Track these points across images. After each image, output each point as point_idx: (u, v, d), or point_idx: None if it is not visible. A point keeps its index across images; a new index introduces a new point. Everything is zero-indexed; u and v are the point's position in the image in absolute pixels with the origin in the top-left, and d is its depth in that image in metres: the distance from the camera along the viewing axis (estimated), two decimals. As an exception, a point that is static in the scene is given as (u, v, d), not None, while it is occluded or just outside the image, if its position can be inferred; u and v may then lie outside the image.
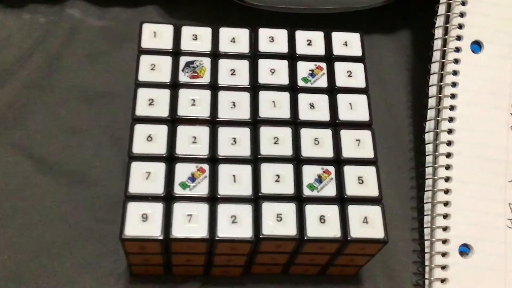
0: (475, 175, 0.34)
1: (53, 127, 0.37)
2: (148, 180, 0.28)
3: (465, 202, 0.34)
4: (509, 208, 0.34)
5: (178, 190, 0.28)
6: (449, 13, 0.36)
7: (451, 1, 0.36)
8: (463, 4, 0.36)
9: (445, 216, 0.34)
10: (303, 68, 0.33)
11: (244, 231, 0.28)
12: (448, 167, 0.34)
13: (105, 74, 0.39)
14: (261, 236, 0.28)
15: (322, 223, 0.28)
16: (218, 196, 0.28)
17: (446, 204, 0.34)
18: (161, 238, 0.27)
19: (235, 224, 0.28)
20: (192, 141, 0.30)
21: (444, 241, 0.33)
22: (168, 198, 0.28)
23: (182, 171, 0.29)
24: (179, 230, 0.27)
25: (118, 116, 0.37)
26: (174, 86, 0.31)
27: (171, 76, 0.32)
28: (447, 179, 0.34)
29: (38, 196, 0.35)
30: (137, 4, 0.42)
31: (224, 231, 0.28)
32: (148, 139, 0.30)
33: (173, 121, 0.30)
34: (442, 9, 0.36)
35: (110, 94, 0.38)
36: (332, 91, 0.33)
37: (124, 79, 0.38)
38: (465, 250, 0.33)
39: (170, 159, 0.29)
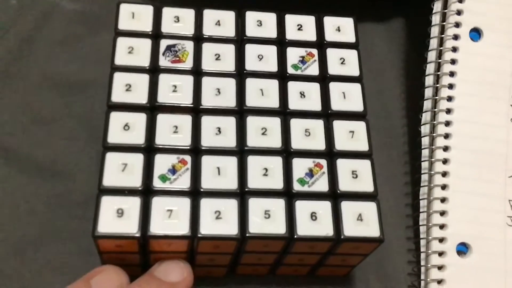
0: (473, 170, 0.32)
1: (23, 117, 0.34)
2: (124, 173, 0.26)
3: (463, 199, 0.32)
4: (509, 205, 0.32)
5: (157, 183, 0.26)
6: (447, -2, 0.34)
7: (449, -14, 0.34)
8: (462, -11, 0.34)
9: (442, 213, 0.32)
10: (293, 55, 0.31)
11: (229, 228, 0.26)
12: (445, 161, 0.32)
13: (79, 61, 0.37)
14: (247, 235, 0.25)
15: (314, 221, 0.26)
16: (201, 190, 0.26)
17: (443, 200, 0.32)
18: (138, 235, 0.25)
19: (219, 220, 0.26)
20: (173, 130, 0.28)
21: (441, 240, 0.31)
22: (146, 192, 0.26)
23: (162, 162, 0.27)
24: (157, 227, 0.25)
25: (93, 105, 0.35)
26: (153, 70, 0.29)
27: (150, 60, 0.29)
28: (444, 174, 0.32)
29: (6, 192, 0.32)
30: (116, -13, 0.40)
31: (207, 227, 0.25)
32: (125, 128, 0.27)
33: (153, 108, 0.28)
34: (440, -6, 0.34)
35: (85, 82, 0.36)
36: (324, 79, 0.31)
37: (100, 66, 0.35)
38: (463, 249, 0.32)
39: (149, 149, 0.27)
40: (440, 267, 0.31)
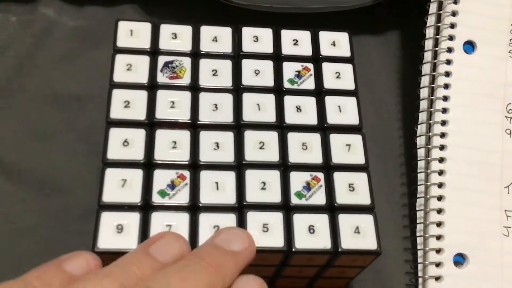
0: (469, 180, 0.33)
1: (24, 132, 0.35)
2: (124, 188, 0.26)
3: (459, 209, 0.32)
4: (505, 215, 0.32)
5: (156, 199, 0.26)
6: (440, 11, 0.34)
7: (442, 0, 0.34)
8: (455, 2, 0.34)
9: (439, 224, 0.32)
10: (289, 69, 0.31)
11: (228, 242, 0.26)
12: (441, 173, 0.33)
13: (79, 76, 0.37)
14: (246, 248, 0.26)
15: (311, 234, 0.27)
16: (200, 204, 0.26)
17: (439, 211, 0.32)
18: (137, 251, 0.25)
19: (218, 235, 0.26)
20: (171, 146, 0.28)
21: (438, 251, 0.32)
22: (146, 207, 0.26)
23: (161, 178, 0.27)
24: (157, 242, 0.25)
25: (93, 120, 0.35)
26: (151, 87, 0.29)
27: (148, 76, 0.30)
28: (440, 185, 0.33)
29: (5, 206, 0.32)
30: (114, 3, 0.40)
31: (206, 242, 0.26)
32: (124, 144, 0.28)
33: (151, 124, 0.28)
34: (433, 7, 0.35)
35: (85, 97, 0.36)
36: (320, 93, 0.31)
37: (100, 81, 0.36)
38: (460, 260, 0.32)
39: (148, 165, 0.27)
40: (437, 278, 0.31)
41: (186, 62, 0.30)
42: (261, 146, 0.29)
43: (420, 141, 0.34)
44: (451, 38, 0.34)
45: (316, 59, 0.32)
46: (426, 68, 0.34)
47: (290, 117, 0.30)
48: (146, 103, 0.29)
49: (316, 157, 0.29)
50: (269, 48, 0.32)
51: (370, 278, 0.33)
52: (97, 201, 0.26)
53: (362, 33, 0.41)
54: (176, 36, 0.31)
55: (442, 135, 0.33)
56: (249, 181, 0.28)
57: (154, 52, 0.31)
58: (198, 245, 0.25)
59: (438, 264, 0.32)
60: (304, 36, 0.33)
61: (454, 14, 0.34)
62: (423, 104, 0.34)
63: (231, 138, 0.29)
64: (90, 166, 0.34)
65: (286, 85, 0.31)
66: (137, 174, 0.27)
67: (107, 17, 0.40)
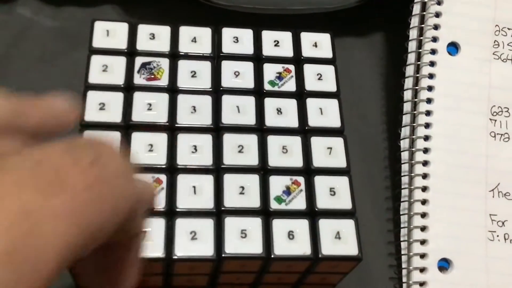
0: (453, 184, 0.32)
1: None
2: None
3: (443, 214, 0.32)
4: (490, 219, 0.32)
5: (131, 204, 0.25)
6: (424, 13, 0.34)
7: (426, 1, 0.34)
8: (439, 3, 0.34)
9: (423, 229, 0.31)
10: (269, 71, 0.31)
11: (205, 248, 0.25)
12: (425, 176, 0.32)
13: (57, 77, 0.36)
14: (223, 255, 0.25)
15: (291, 240, 0.26)
16: (177, 209, 0.26)
17: (423, 215, 0.32)
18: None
19: (195, 241, 0.25)
20: (148, 149, 0.27)
21: (422, 256, 0.31)
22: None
23: (136, 182, 0.26)
24: (131, 249, 0.24)
25: (71, 123, 0.34)
26: (128, 89, 0.29)
27: (125, 78, 0.29)
28: (424, 189, 0.32)
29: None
30: (93, 3, 0.40)
31: (183, 249, 0.25)
32: (99, 147, 0.27)
33: (127, 127, 0.28)
34: (417, 8, 0.34)
35: (62, 99, 0.35)
36: (301, 95, 0.30)
37: (78, 82, 0.35)
38: (444, 265, 0.31)
39: (123, 169, 0.26)
40: (421, 284, 0.31)
41: (164, 63, 0.30)
42: (240, 149, 0.28)
43: (404, 144, 0.33)
44: (434, 39, 0.34)
45: (298, 60, 0.31)
46: (409, 70, 0.34)
47: (271, 120, 0.29)
48: (122, 105, 0.28)
49: (296, 161, 0.28)
50: (249, 49, 0.31)
51: (353, 283, 0.32)
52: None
53: (345, 35, 0.40)
54: (154, 37, 0.30)
55: (426, 138, 0.33)
56: (227, 185, 0.27)
57: (131, 52, 0.30)
58: (174, 252, 0.25)
59: (422, 270, 0.31)
60: (285, 37, 0.32)
61: (437, 15, 0.34)
62: (407, 107, 0.34)
63: (210, 141, 0.28)
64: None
65: (267, 87, 0.30)
66: (111, 179, 0.26)
67: (85, 17, 0.39)
